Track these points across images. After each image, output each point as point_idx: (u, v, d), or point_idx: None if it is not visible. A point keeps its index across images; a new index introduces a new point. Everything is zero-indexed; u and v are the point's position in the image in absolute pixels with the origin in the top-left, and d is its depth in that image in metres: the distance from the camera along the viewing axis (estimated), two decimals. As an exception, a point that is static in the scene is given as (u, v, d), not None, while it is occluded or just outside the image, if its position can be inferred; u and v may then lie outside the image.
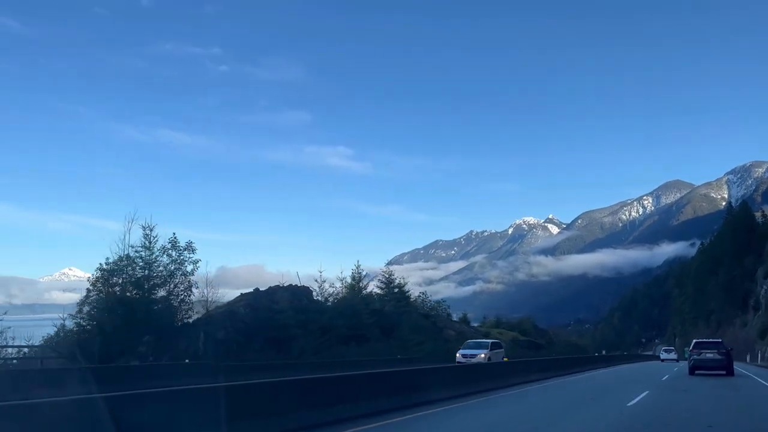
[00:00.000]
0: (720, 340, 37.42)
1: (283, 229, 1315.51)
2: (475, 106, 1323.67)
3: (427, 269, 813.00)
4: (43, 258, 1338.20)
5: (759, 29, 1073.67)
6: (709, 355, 30.68)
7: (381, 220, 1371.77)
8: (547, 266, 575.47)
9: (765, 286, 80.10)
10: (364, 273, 52.26)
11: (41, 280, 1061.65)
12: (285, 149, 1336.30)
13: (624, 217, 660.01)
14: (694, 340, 35.16)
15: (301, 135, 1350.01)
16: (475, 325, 76.65)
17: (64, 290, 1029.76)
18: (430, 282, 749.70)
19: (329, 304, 44.69)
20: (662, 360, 66.85)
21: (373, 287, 53.53)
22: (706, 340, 37.95)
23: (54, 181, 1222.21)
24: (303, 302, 41.84)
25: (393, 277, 56.30)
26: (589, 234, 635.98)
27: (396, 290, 53.88)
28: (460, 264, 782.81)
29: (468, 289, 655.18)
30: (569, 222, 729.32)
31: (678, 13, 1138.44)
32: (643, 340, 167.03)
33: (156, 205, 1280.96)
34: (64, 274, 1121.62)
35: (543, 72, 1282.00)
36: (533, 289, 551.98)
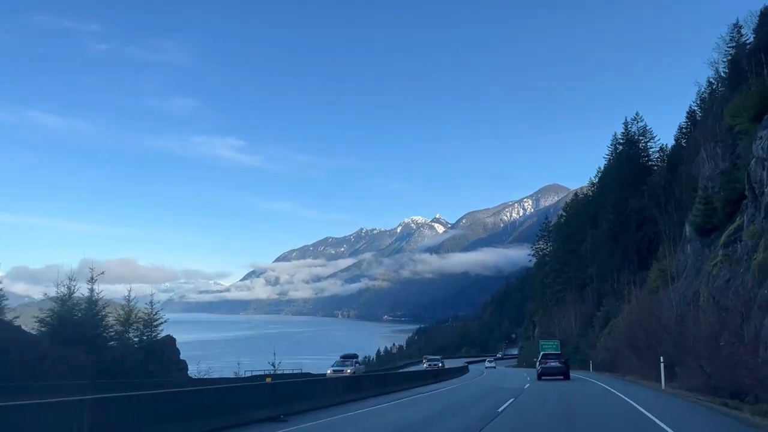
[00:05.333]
0: (560, 353, 47.98)
1: (165, 222, 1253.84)
2: (365, 105, 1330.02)
3: (316, 266, 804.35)
4: None
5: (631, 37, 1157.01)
6: (552, 364, 38.26)
7: (271, 215, 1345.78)
8: (431, 264, 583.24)
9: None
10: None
11: None
12: (170, 137, 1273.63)
13: (505, 218, 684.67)
14: (542, 353, 43.73)
15: (188, 123, 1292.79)
16: None
17: None
18: (318, 279, 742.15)
19: None
20: (486, 367, 77.77)
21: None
22: (551, 352, 45.45)
23: None
24: None
25: None
26: (473, 233, 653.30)
27: None
28: (349, 261, 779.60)
29: (354, 287, 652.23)
30: (454, 222, 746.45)
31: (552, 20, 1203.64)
32: (513, 336, 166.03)
33: (19, 189, 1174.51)
34: None
35: (431, 73, 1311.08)
36: (417, 286, 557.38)
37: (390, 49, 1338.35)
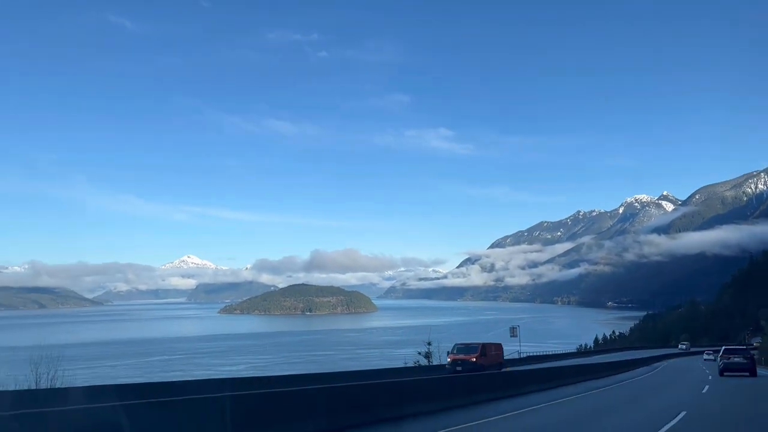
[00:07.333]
0: (745, 347, 44.85)
1: (384, 214, 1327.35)
2: (579, 80, 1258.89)
3: (532, 252, 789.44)
4: (163, 247, 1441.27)
5: None
6: (736, 360, 35.79)
7: (484, 201, 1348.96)
8: (659, 246, 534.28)
9: None
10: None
11: (162, 267, 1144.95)
12: (386, 133, 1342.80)
13: (749, 190, 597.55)
14: (723, 347, 40.94)
15: (402, 118, 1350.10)
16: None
17: (183, 276, 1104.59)
18: (534, 265, 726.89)
19: None
20: (705, 360, 69.91)
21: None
22: (734, 347, 43.22)
23: (173, 173, 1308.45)
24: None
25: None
26: (708, 210, 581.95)
27: None
28: (566, 246, 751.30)
29: (573, 272, 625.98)
30: (685, 198, 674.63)
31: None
32: (763, 322, 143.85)
33: (263, 193, 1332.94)
34: (183, 261, 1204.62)
35: (653, 41, 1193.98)
36: (644, 270, 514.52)
37: (603, 19, 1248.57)
